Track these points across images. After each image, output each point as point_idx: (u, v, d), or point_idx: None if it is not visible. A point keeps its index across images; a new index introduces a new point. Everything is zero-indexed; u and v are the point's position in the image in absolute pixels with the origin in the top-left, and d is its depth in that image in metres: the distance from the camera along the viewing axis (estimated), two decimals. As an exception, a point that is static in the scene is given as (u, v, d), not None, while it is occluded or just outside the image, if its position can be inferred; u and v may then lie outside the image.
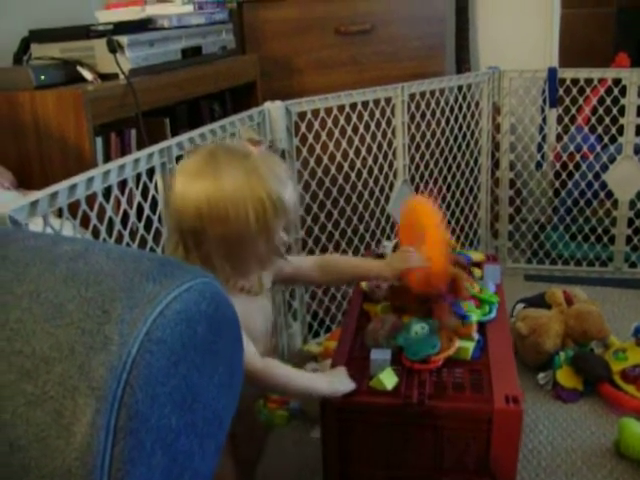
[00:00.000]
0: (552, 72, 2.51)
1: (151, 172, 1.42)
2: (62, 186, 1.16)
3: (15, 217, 1.04)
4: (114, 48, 1.62)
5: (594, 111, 2.55)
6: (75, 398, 0.53)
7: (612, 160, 2.52)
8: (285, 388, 1.21)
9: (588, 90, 2.51)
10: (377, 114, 2.20)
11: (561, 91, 2.53)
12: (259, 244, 1.12)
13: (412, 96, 2.29)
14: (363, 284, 1.71)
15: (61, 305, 0.58)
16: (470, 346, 1.40)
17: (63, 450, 0.53)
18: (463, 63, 2.94)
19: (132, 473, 0.55)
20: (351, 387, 1.28)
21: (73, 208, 1.20)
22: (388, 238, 2.28)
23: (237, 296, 1.16)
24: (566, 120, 2.57)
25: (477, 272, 1.72)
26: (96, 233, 1.28)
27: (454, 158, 2.54)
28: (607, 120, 2.50)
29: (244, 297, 1.19)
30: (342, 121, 2.11)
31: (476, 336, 1.44)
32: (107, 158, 1.63)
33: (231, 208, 1.06)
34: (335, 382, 1.28)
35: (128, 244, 1.37)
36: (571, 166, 2.60)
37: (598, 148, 2.56)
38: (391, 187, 2.31)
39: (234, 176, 1.07)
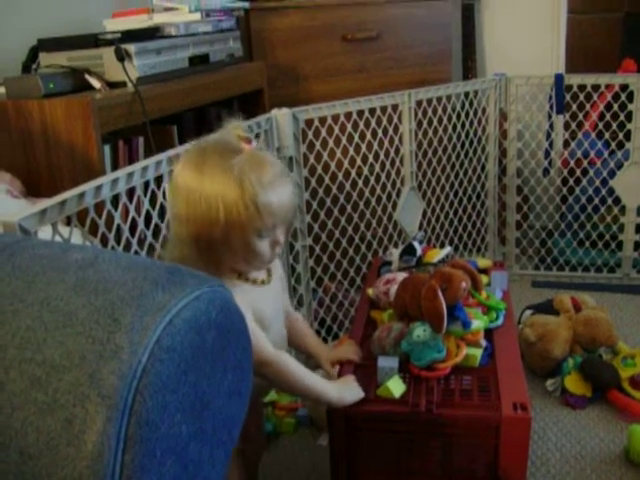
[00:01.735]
0: (559, 78, 2.51)
1: (159, 180, 1.42)
2: (71, 194, 1.16)
3: (24, 225, 1.05)
4: (122, 56, 1.63)
5: (601, 117, 2.55)
6: (86, 406, 0.54)
7: (619, 166, 2.51)
8: (294, 385, 1.20)
9: (595, 96, 2.51)
10: (384, 121, 2.20)
11: (568, 97, 2.53)
12: (233, 244, 1.10)
13: (419, 103, 2.29)
14: (370, 291, 1.71)
15: (71, 313, 0.58)
16: (478, 353, 1.40)
17: (74, 458, 0.53)
18: (469, 70, 2.94)
19: (142, 481, 0.55)
20: (359, 396, 1.28)
21: (81, 216, 1.20)
22: (395, 245, 2.27)
23: (242, 286, 1.17)
24: (573, 126, 2.57)
25: (484, 279, 1.71)
26: (104, 241, 1.28)
27: (461, 165, 2.54)
28: (614, 126, 2.49)
29: (249, 286, 1.19)
30: (349, 128, 2.11)
31: (484, 343, 1.44)
32: (115, 166, 1.63)
33: (204, 204, 1.06)
34: (344, 390, 1.27)
35: (136, 252, 1.38)
36: (578, 172, 2.60)
37: (605, 154, 2.55)
38: (398, 194, 2.31)
39: (213, 173, 1.07)
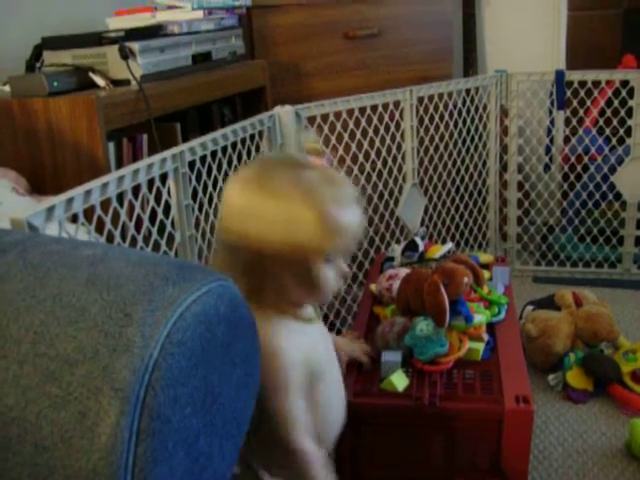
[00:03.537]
0: (560, 74, 2.52)
1: (164, 177, 1.43)
2: (78, 192, 1.16)
3: (33, 223, 1.06)
4: (126, 54, 1.64)
5: (602, 113, 2.55)
6: (99, 399, 0.55)
7: (620, 162, 2.52)
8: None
9: (596, 92, 2.51)
10: (386, 117, 2.21)
11: (569, 93, 2.53)
12: (294, 270, 0.98)
13: (420, 99, 2.30)
14: (372, 287, 1.72)
15: (83, 308, 0.59)
16: (480, 347, 1.41)
17: (87, 450, 0.54)
18: (470, 66, 2.95)
19: (154, 473, 0.56)
20: None
21: (87, 213, 1.21)
22: (398, 241, 2.28)
23: (289, 324, 1.04)
24: (574, 122, 2.57)
25: (486, 274, 1.72)
26: (110, 238, 1.29)
27: (462, 161, 2.55)
28: (615, 122, 2.50)
29: (299, 325, 1.05)
30: (351, 125, 2.12)
31: (486, 337, 1.45)
32: (119, 163, 1.64)
33: (266, 222, 0.94)
34: None
35: (142, 248, 1.38)
36: (579, 168, 2.61)
37: (606, 150, 2.56)
38: (400, 190, 2.32)
39: (280, 186, 0.95)
